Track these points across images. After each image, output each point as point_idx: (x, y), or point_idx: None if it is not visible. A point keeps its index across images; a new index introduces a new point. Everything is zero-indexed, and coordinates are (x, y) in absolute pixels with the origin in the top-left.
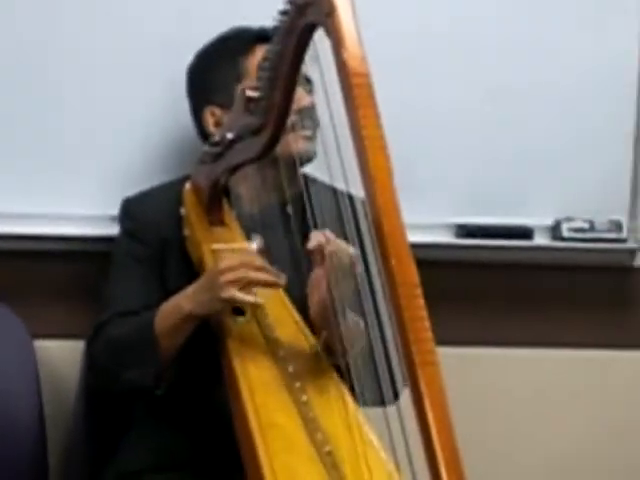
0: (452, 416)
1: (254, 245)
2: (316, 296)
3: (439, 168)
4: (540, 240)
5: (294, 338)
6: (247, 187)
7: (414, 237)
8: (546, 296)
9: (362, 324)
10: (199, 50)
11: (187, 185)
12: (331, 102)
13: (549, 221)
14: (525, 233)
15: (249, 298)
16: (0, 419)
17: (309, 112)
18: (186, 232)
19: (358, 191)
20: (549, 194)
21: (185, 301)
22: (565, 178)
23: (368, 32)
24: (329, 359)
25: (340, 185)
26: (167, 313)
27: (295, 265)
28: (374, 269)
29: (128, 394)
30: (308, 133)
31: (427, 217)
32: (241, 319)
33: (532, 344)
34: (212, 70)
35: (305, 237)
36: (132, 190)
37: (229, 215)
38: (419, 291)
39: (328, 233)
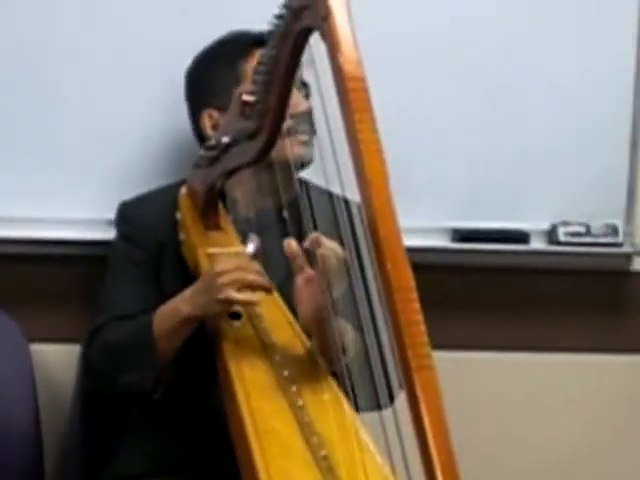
0: (448, 420)
1: (251, 246)
2: (306, 303)
3: (435, 172)
4: (536, 244)
5: (289, 342)
6: (243, 191)
7: (410, 241)
8: (542, 300)
9: (352, 332)
10: (198, 53)
11: (183, 189)
12: (327, 106)
13: (545, 225)
14: (521, 237)
15: (247, 297)
16: None
17: (306, 117)
18: (182, 236)
19: (354, 195)
20: (545, 198)
21: (183, 304)
22: (561, 182)
23: (367, 33)
24: (324, 363)
25: (336, 189)
26: (165, 316)
27: (290, 269)
28: (370, 273)
29: (124, 398)
30: (304, 138)
31: (423, 221)
32: (237, 323)
33: (528, 348)
34: (211, 73)
35: (301, 242)
36: (130, 194)
37: (225, 219)
38: (415, 295)
39: (319, 236)
